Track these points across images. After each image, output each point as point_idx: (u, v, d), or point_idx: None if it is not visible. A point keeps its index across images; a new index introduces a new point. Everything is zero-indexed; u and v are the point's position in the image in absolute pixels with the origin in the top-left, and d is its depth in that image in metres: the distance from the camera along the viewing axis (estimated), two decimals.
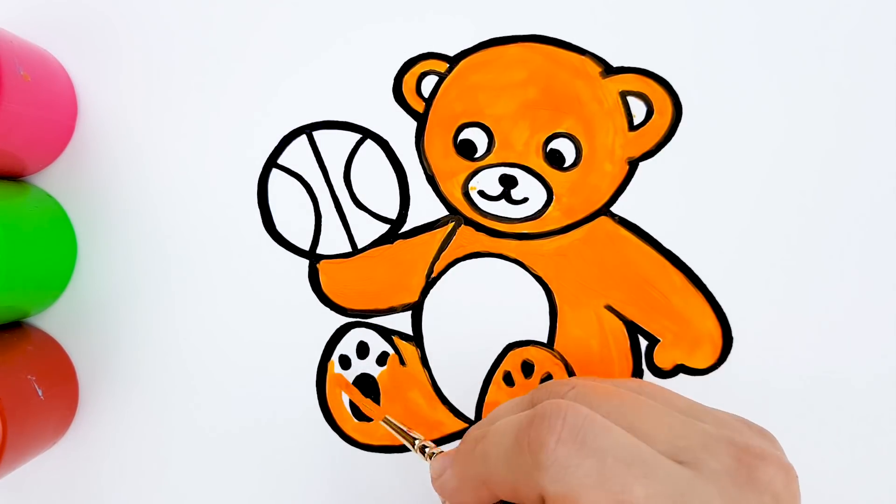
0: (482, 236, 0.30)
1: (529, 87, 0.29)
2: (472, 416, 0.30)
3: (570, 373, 0.29)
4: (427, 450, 0.25)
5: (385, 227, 0.30)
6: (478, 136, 0.29)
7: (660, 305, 0.28)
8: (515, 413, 0.20)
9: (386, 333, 0.30)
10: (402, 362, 0.30)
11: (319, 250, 0.30)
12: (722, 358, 0.28)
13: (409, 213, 0.30)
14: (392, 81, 0.30)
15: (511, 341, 0.29)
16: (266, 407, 0.31)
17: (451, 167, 0.30)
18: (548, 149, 0.29)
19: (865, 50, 0.28)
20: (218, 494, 0.31)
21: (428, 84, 0.30)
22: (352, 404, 0.30)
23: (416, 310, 0.30)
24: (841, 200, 0.28)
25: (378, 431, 0.30)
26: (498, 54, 0.29)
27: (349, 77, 0.30)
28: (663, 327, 0.28)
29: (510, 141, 0.29)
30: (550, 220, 0.29)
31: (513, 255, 0.29)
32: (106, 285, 0.31)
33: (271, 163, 0.30)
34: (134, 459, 0.31)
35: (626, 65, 0.29)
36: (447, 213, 0.30)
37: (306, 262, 0.30)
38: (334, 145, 0.30)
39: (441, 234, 0.30)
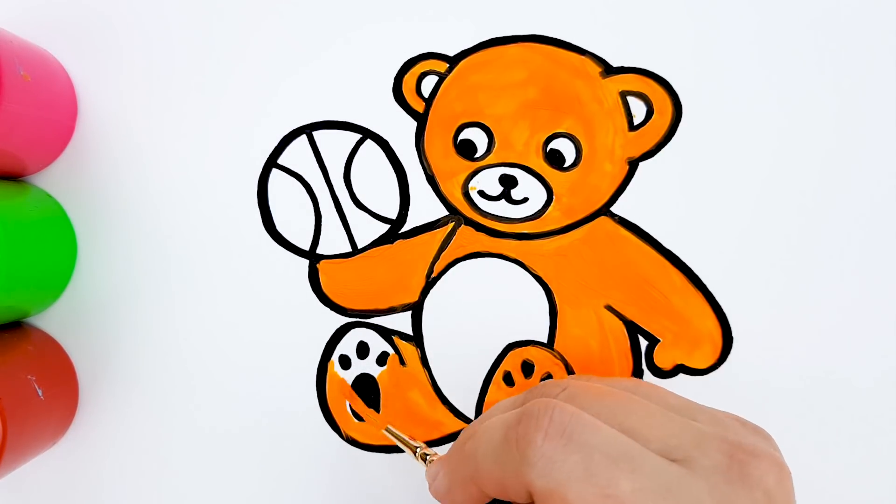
0: (482, 236, 0.30)
1: (529, 87, 0.29)
2: (472, 416, 0.30)
3: (570, 373, 0.29)
4: (428, 457, 0.25)
5: (385, 227, 0.30)
6: (478, 136, 0.29)
7: (660, 305, 0.28)
8: (508, 412, 0.20)
9: (386, 333, 0.30)
10: (402, 362, 0.30)
11: (319, 250, 0.30)
12: (722, 358, 0.28)
13: (409, 213, 0.30)
14: (392, 81, 0.30)
15: (511, 341, 0.29)
16: (266, 407, 0.31)
17: (451, 167, 0.30)
18: (548, 149, 0.29)
19: (865, 50, 0.28)
20: (218, 494, 0.31)
21: (428, 84, 0.30)
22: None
23: (416, 310, 0.30)
24: (841, 200, 0.28)
25: (377, 432, 0.30)
26: (498, 54, 0.29)
27: (349, 77, 0.30)
28: (663, 327, 0.28)
29: (510, 141, 0.29)
30: (550, 220, 0.29)
31: (513, 255, 0.29)
32: (106, 285, 0.31)
33: (271, 163, 0.30)
34: (134, 459, 0.31)
35: (626, 65, 0.29)
36: (447, 213, 0.30)
37: (306, 262, 0.30)
38: (334, 145, 0.30)
39: (441, 234, 0.30)
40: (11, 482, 0.32)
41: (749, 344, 0.28)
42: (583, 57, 0.29)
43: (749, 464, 0.18)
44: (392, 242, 0.30)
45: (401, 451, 0.30)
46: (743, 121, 0.28)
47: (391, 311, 0.30)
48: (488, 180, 0.29)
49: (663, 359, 0.29)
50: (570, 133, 0.29)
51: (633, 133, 0.29)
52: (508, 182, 0.29)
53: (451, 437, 0.30)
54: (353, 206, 0.30)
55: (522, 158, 0.29)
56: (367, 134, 0.30)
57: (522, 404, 0.21)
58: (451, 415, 0.30)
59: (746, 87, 0.28)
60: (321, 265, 0.30)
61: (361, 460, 0.30)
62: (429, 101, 0.30)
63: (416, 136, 0.30)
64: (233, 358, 0.31)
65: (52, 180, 0.31)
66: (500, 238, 0.29)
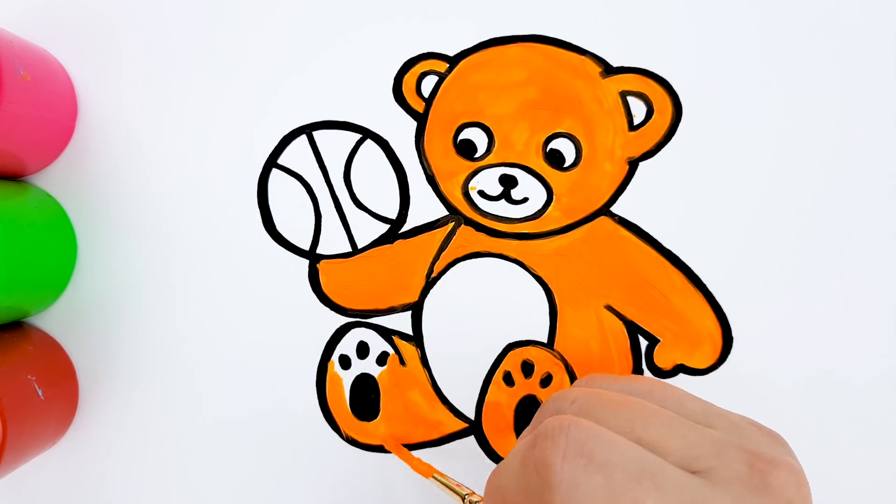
0: (482, 236, 0.30)
1: (529, 87, 0.29)
2: (471, 415, 0.30)
3: (570, 372, 0.29)
4: None
5: (385, 227, 0.30)
6: (478, 136, 0.29)
7: (660, 305, 0.28)
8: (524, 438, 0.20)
9: (386, 333, 0.30)
10: (402, 362, 0.30)
11: (319, 250, 0.30)
12: (722, 358, 0.28)
13: (409, 213, 0.30)
14: (392, 81, 0.30)
15: (511, 341, 0.29)
16: (266, 407, 0.31)
17: (451, 167, 0.30)
18: (548, 149, 0.29)
19: (865, 50, 0.28)
20: (218, 494, 0.31)
21: (428, 84, 0.30)
22: (352, 404, 0.30)
23: (416, 310, 0.30)
24: (841, 200, 0.28)
25: (378, 431, 0.30)
26: (498, 54, 0.29)
27: (349, 77, 0.30)
28: (663, 327, 0.28)
29: (510, 141, 0.29)
30: (550, 220, 0.29)
31: (513, 255, 0.29)
32: (106, 285, 0.31)
33: (271, 163, 0.30)
34: (134, 459, 0.31)
35: (626, 65, 0.29)
36: (447, 213, 0.30)
37: (306, 261, 0.30)
38: (334, 145, 0.30)
39: (441, 234, 0.30)
40: (11, 482, 0.32)
41: (749, 344, 0.28)
42: (583, 57, 0.29)
43: (769, 474, 0.18)
44: (392, 242, 0.30)
45: None
46: (743, 121, 0.28)
47: (391, 310, 0.30)
48: (488, 180, 0.29)
49: (663, 359, 0.29)
50: (570, 133, 0.29)
51: (633, 133, 0.29)
52: (508, 182, 0.29)
53: (451, 437, 0.30)
54: (353, 206, 0.30)
55: (522, 158, 0.29)
56: (367, 134, 0.30)
57: (536, 427, 0.21)
58: (451, 415, 0.30)
59: (746, 87, 0.28)
60: (321, 265, 0.30)
61: (361, 460, 0.30)
62: (429, 101, 0.30)
63: (416, 136, 0.30)
64: (233, 358, 0.31)
65: (52, 180, 0.31)
66: (499, 238, 0.29)
